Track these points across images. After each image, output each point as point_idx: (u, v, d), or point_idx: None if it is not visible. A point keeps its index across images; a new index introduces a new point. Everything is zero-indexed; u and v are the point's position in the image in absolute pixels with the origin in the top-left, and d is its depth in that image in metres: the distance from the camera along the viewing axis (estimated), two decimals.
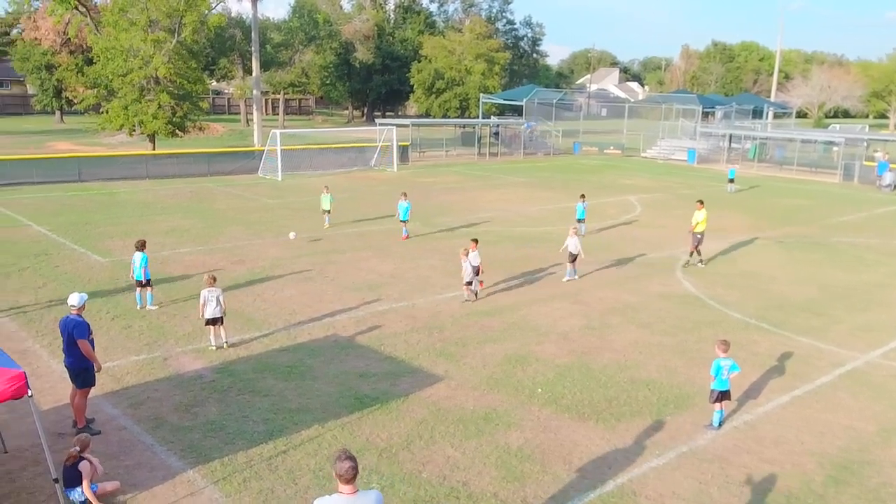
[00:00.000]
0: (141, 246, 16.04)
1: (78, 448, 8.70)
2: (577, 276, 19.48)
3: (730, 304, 17.76)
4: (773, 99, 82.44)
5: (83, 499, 8.60)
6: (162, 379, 12.48)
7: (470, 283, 17.18)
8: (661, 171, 47.49)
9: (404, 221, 23.92)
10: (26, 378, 7.72)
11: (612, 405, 12.01)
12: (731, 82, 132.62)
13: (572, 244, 19.04)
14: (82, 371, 10.41)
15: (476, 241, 17.54)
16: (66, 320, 10.58)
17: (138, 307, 16.12)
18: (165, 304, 16.51)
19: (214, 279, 13.79)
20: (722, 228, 27.23)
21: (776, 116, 76.36)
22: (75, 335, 10.32)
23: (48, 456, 8.03)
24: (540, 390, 12.48)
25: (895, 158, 44.99)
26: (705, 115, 65.60)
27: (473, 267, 17.02)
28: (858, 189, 42.46)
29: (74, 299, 10.83)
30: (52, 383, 11.98)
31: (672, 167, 50.97)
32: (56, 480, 8.11)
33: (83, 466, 8.59)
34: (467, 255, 16.97)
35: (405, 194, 24.07)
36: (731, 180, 39.14)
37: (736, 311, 17.23)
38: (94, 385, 10.66)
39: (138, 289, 16.21)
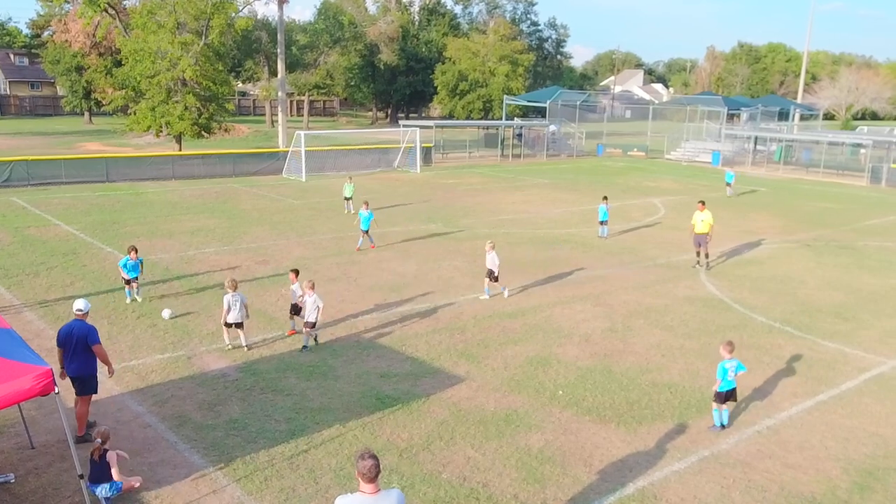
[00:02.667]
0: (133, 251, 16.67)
1: (100, 441, 8.82)
2: (488, 296, 17.69)
3: (755, 308, 17.59)
4: (799, 101, 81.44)
5: (108, 494, 8.73)
6: (186, 377, 12.62)
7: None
8: (685, 174, 47.14)
9: (365, 231, 22.41)
10: (53, 375, 7.84)
11: (634, 408, 11.95)
12: (758, 84, 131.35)
13: (489, 260, 17.42)
14: (89, 378, 10.23)
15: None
16: (73, 326, 10.33)
17: (128, 301, 16.67)
18: (190, 303, 16.68)
19: (237, 284, 13.92)
20: (749, 231, 26.99)
21: (803, 118, 75.51)
22: (90, 341, 10.17)
23: (74, 452, 8.16)
24: (561, 392, 12.45)
25: None
26: (730, 116, 65.02)
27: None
28: (886, 192, 41.83)
29: (81, 304, 10.71)
30: None
31: (696, 169, 50.57)
32: (81, 476, 8.23)
33: (111, 457, 8.71)
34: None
35: (367, 203, 22.76)
36: (729, 184, 37.90)
37: (761, 315, 17.06)
38: (96, 392, 10.53)
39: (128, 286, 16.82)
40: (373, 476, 5.87)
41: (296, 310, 14.67)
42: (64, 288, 17.53)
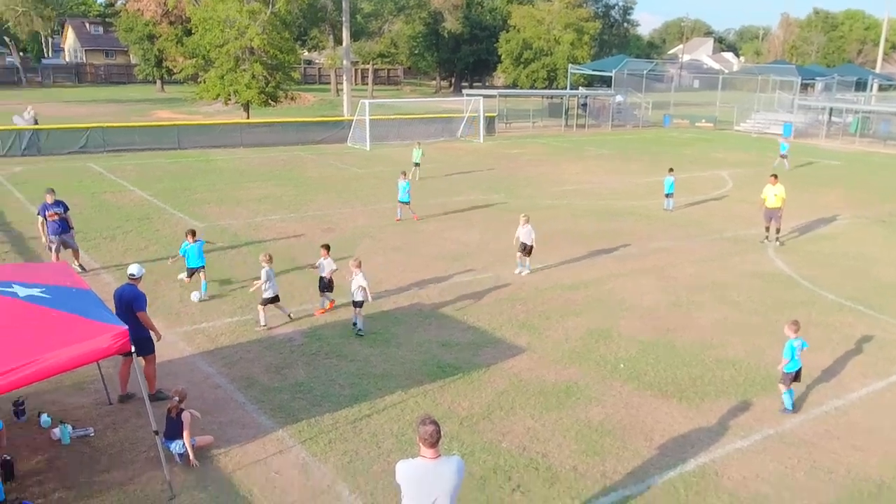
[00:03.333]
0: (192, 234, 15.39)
1: (177, 399, 9.20)
2: (528, 270, 17.27)
3: (824, 285, 17.12)
4: (878, 70, 77.96)
5: (182, 450, 9.11)
6: (254, 341, 13.00)
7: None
8: (754, 146, 45.78)
9: (405, 203, 22.03)
10: (130, 335, 8.17)
11: (696, 384, 11.84)
12: (834, 52, 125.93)
13: (524, 233, 16.96)
14: (142, 340, 10.07)
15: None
16: (124, 291, 10.48)
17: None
18: (257, 269, 17.06)
19: (271, 257, 13.77)
20: (820, 206, 26.17)
21: (881, 89, 72.26)
22: (135, 307, 10.27)
23: (149, 409, 8.52)
24: (622, 366, 12.41)
25: None
26: (804, 87, 62.64)
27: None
28: None
29: (134, 269, 10.86)
30: None
31: (767, 141, 49.03)
32: (156, 433, 8.60)
33: (185, 417, 9.08)
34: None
35: (405, 173, 22.46)
36: (784, 156, 36.29)
37: (830, 293, 16.61)
38: (153, 352, 10.62)
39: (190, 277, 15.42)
40: (434, 441, 5.98)
41: (323, 286, 14.44)
42: (139, 251, 18.16)
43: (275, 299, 13.63)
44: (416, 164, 29.44)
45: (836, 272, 18.24)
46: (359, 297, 13.37)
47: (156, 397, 10.49)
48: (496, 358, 12.53)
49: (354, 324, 13.52)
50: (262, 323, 13.52)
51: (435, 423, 6.02)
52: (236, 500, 8.53)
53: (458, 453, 9.39)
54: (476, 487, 8.87)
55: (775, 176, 21.01)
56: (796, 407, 11.07)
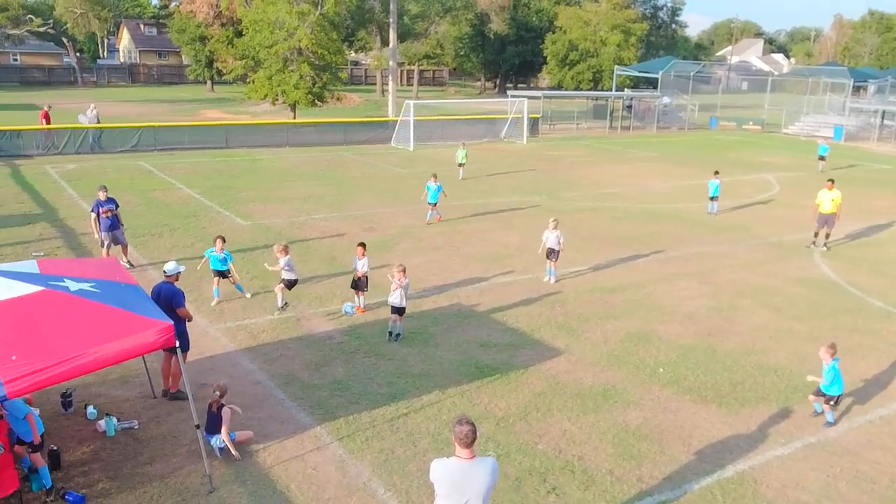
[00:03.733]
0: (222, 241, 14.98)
1: (218, 394, 9.42)
2: (555, 277, 16.81)
3: (872, 292, 16.75)
4: None
5: (223, 445, 9.32)
6: (294, 338, 13.21)
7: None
8: (803, 149, 44.86)
9: (433, 204, 22.07)
10: (174, 330, 8.39)
11: (737, 389, 11.70)
12: (888, 54, 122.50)
13: (552, 239, 16.52)
14: (179, 336, 9.75)
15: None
16: (162, 288, 10.63)
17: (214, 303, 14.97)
18: (299, 267, 17.32)
19: (286, 248, 14.14)
20: (869, 211, 25.57)
21: None
22: (174, 304, 10.37)
23: (192, 403, 8.74)
24: (661, 370, 12.32)
25: None
26: (856, 89, 61.09)
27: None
28: None
29: (170, 267, 11.03)
30: (196, 336, 12.77)
31: (815, 145, 48.03)
32: (198, 427, 8.81)
33: (225, 412, 9.29)
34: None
35: (435, 176, 22.43)
36: (822, 157, 35.49)
37: (878, 300, 16.24)
38: (188, 349, 10.69)
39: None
40: (469, 442, 6.03)
41: (356, 285, 14.46)
42: (185, 248, 18.56)
43: (293, 283, 14.11)
44: (461, 164, 29.59)
45: (883, 279, 17.82)
46: (402, 304, 13.07)
47: (175, 396, 10.74)
48: (534, 359, 12.53)
49: (390, 333, 13.25)
50: (279, 305, 14.15)
51: (471, 423, 6.07)
52: (274, 495, 8.70)
53: (494, 454, 9.47)
54: (511, 489, 8.90)
55: (832, 181, 20.49)
56: (838, 417, 10.86)
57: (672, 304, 15.57)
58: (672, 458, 9.70)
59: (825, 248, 20.20)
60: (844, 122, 52.18)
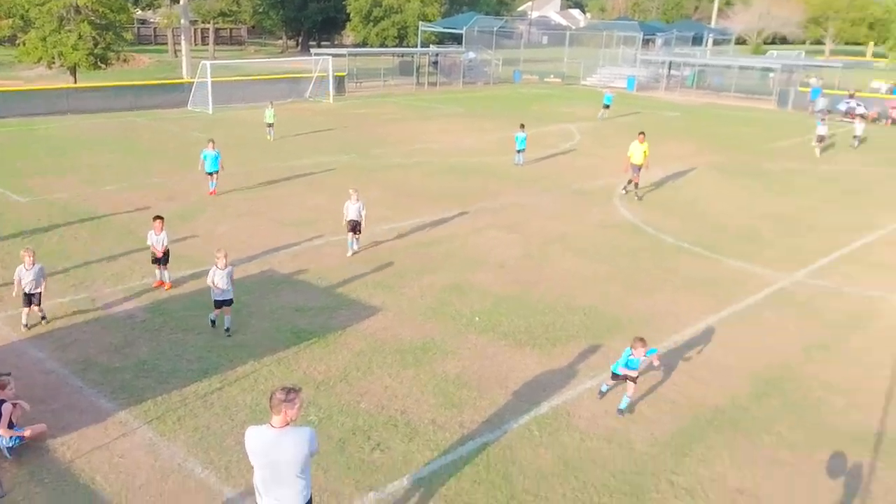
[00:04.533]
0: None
1: None
2: (357, 248, 15.74)
3: (667, 231, 18.03)
4: (713, 26, 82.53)
5: (10, 444, 8.39)
6: (90, 320, 12.12)
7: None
8: (600, 100, 47.46)
9: (212, 174, 20.03)
10: None
11: (549, 331, 12.16)
12: (673, 9, 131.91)
13: (353, 210, 15.28)
14: None
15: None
16: None
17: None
18: (91, 245, 15.95)
19: (33, 252, 11.69)
20: (662, 156, 27.44)
21: (716, 43, 76.70)
22: None
23: None
24: (478, 319, 12.55)
25: (829, 84, 45.84)
26: (646, 42, 65.42)
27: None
28: (792, 115, 43.19)
29: None
30: None
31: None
32: None
33: (6, 409, 8.33)
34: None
35: (213, 142, 20.35)
36: (607, 106, 37.85)
37: (672, 237, 17.52)
38: None
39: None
40: (277, 408, 5.78)
41: (156, 259, 13.33)
42: None
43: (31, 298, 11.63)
44: (270, 125, 28.57)
45: (676, 218, 19.25)
46: (224, 293, 11.51)
47: None
48: (352, 320, 12.33)
49: (212, 321, 11.90)
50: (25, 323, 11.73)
51: (285, 390, 5.81)
52: (77, 490, 7.95)
53: (315, 419, 9.25)
54: (336, 450, 8.72)
55: (643, 133, 21.23)
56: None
57: (485, 254, 15.90)
58: (491, 401, 9.91)
59: (638, 198, 21.27)
60: (636, 73, 55.74)
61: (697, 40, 70.31)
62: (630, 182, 21.38)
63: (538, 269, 15.10)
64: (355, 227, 15.43)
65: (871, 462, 8.93)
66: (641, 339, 9.49)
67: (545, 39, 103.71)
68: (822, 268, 15.79)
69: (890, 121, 40.87)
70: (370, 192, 20.56)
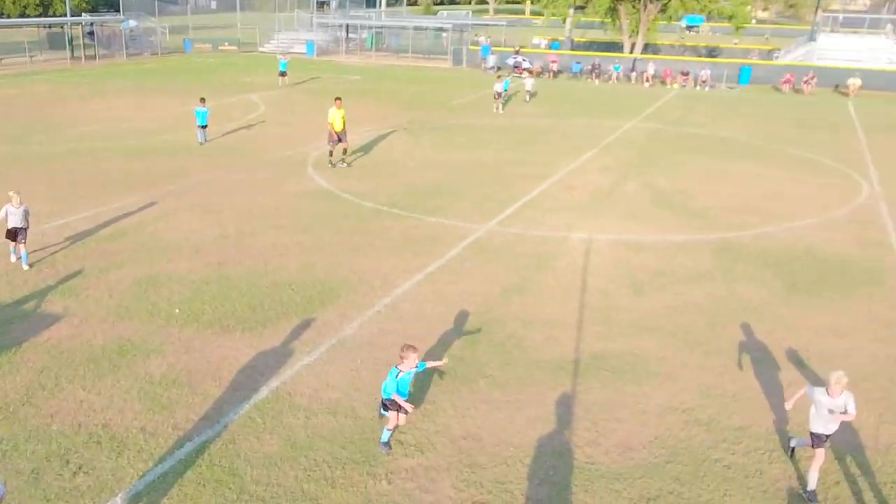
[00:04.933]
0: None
1: None
2: (26, 262, 13.29)
3: (363, 195, 18.24)
4: None
5: None
6: None
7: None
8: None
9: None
10: None
11: (257, 312, 11.69)
12: None
13: (16, 215, 12.95)
14: None
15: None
16: None
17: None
18: None
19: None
20: (349, 120, 27.68)
21: (389, 5, 79.11)
22: None
23: None
24: (178, 310, 11.66)
25: (497, 42, 49.59)
26: (321, 5, 65.43)
27: None
28: (467, 72, 46.10)
29: None
30: None
31: (292, 61, 50.53)
32: None
33: None
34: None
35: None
36: (283, 73, 37.88)
37: (369, 201, 17.77)
38: None
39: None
40: None
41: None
42: None
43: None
44: None
45: (371, 181, 19.57)
46: None
47: None
48: (28, 333, 10.77)
49: None
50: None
51: None
52: None
53: None
54: (29, 483, 7.58)
55: (339, 98, 20.82)
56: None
57: (178, 240, 14.83)
58: (205, 396, 9.29)
59: (345, 165, 21.04)
60: (315, 37, 55.52)
61: (371, 3, 71.92)
62: (332, 153, 21.11)
63: (237, 249, 14.43)
64: (16, 235, 13.09)
65: (572, 386, 9.84)
66: (412, 346, 8.24)
67: (214, 4, 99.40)
68: (510, 216, 17.06)
69: (551, 73, 45.52)
70: (35, 186, 18.02)
